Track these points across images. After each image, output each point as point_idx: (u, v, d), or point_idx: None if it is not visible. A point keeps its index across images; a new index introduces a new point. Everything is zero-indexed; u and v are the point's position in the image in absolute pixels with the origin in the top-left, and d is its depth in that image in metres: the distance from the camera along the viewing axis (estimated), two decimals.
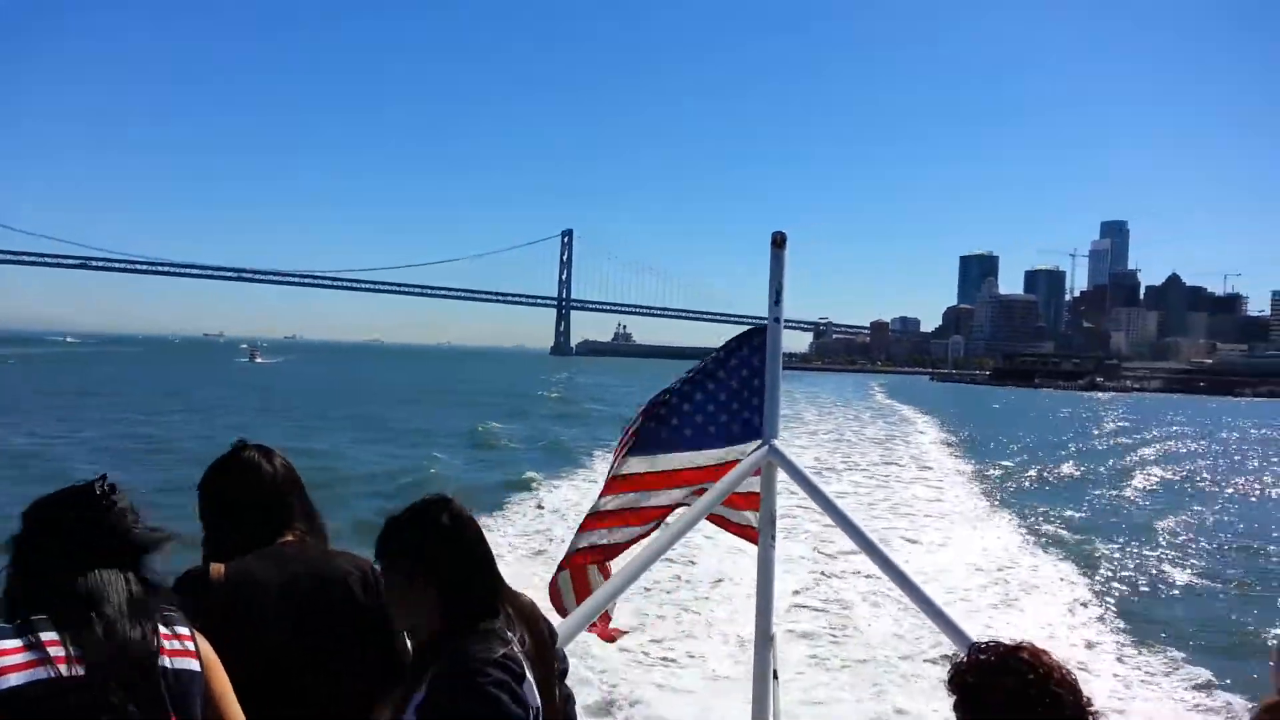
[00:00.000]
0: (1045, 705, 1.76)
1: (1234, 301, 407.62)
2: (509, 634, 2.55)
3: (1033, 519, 26.10)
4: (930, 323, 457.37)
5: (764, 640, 3.93)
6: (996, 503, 29.38)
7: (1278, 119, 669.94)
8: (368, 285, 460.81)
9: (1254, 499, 35.37)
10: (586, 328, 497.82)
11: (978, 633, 2.41)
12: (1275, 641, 3.07)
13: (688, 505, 4.39)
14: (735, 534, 4.90)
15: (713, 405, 4.45)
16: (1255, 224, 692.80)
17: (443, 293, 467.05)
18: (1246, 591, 19.31)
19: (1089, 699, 1.85)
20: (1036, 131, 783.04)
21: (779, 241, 4.17)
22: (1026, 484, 35.66)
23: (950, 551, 20.42)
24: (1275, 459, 51.23)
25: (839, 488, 29.00)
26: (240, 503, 3.09)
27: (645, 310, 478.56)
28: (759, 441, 4.13)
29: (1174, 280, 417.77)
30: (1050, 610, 16.03)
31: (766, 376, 4.23)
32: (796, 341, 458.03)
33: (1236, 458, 52.74)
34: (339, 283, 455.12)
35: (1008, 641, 1.89)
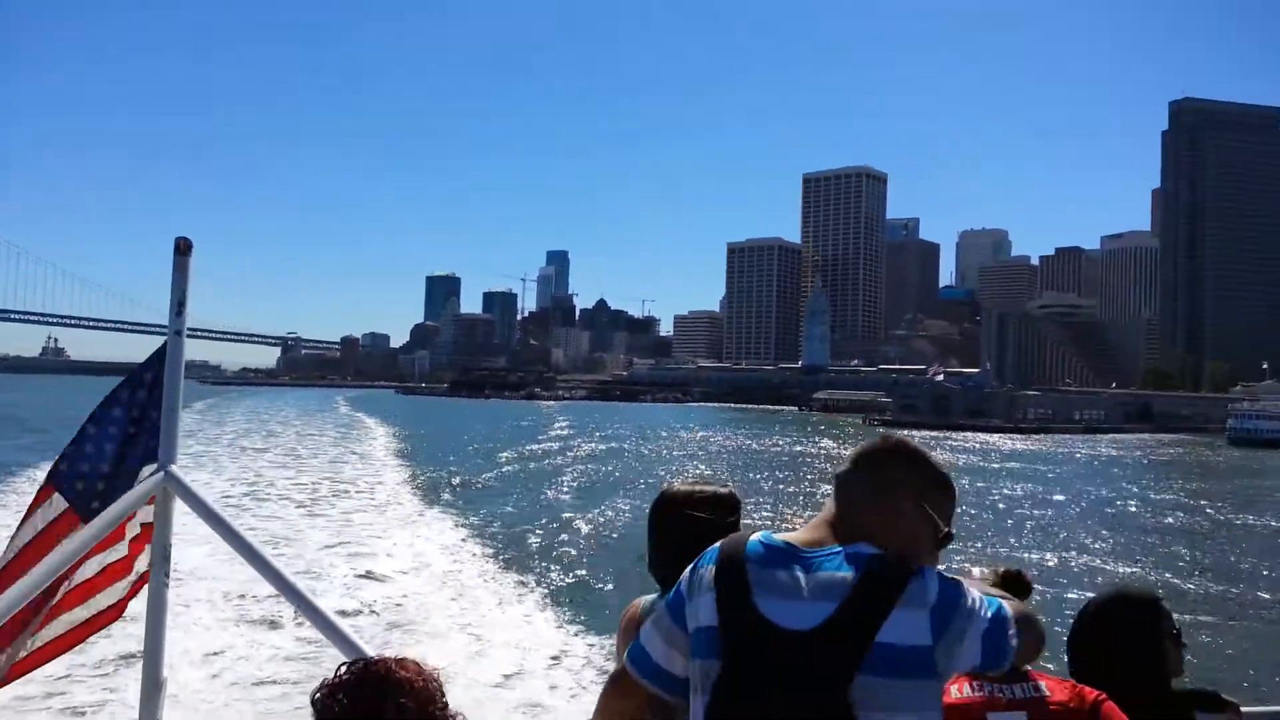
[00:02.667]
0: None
1: (649, 323, 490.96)
2: None
3: (469, 519, 28.37)
4: (400, 338, 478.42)
5: (153, 687, 3.30)
6: (437, 506, 31.51)
7: (674, 176, 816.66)
8: None
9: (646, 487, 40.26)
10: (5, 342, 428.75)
11: (380, 648, 2.29)
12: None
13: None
14: (118, 577, 3.74)
15: (115, 429, 3.71)
16: (667, 258, 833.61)
17: None
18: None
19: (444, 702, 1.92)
20: (482, 164, 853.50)
21: (183, 248, 3.46)
22: (463, 488, 37.62)
23: (395, 559, 21.28)
24: (672, 450, 73.64)
25: (274, 509, 28.52)
26: None
27: (77, 322, 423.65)
28: (154, 467, 3.44)
29: (602, 304, 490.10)
30: (486, 612, 17.16)
31: (165, 395, 3.52)
32: (264, 356, 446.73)
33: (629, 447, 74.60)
34: None
35: (376, 657, 1.91)
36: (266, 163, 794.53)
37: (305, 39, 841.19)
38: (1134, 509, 43.85)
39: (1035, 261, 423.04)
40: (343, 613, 13.15)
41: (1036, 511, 40.15)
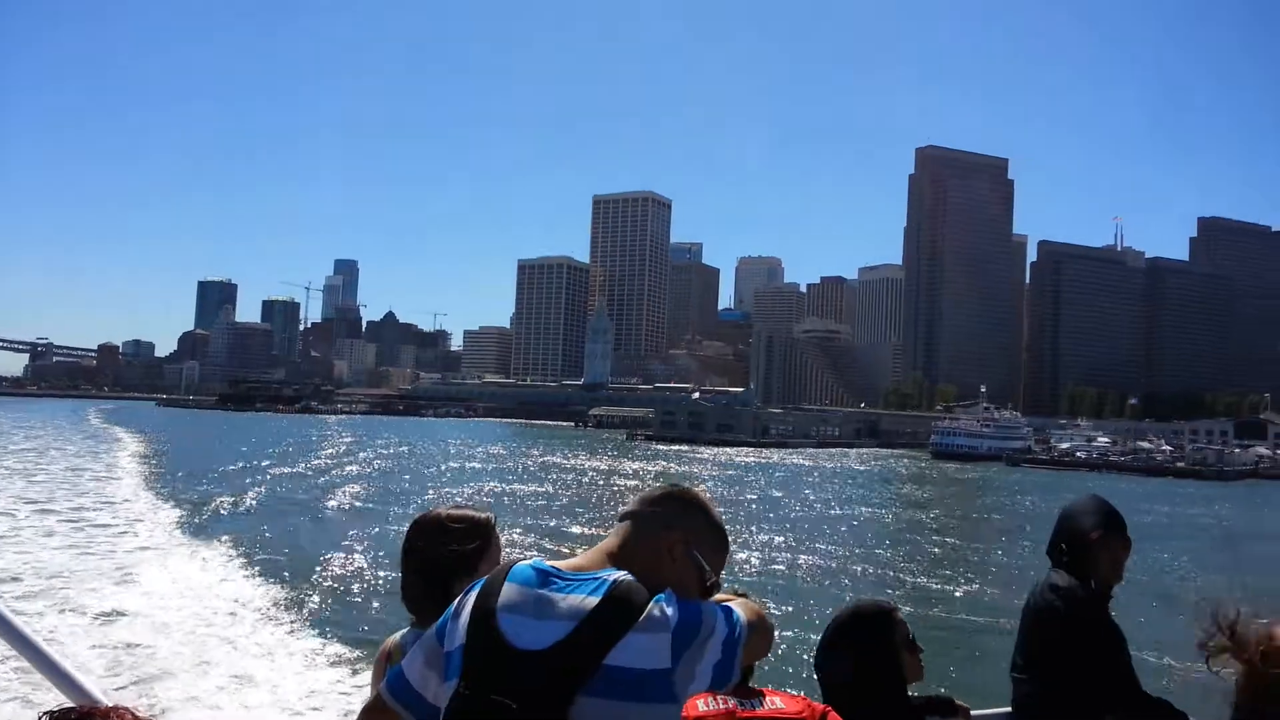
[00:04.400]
0: None
1: (439, 337, 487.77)
2: None
3: (223, 546, 27.65)
4: (167, 347, 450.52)
5: None
6: (188, 531, 30.52)
7: (472, 190, 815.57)
8: None
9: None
10: None
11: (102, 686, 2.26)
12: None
13: None
14: None
15: None
16: (462, 271, 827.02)
17: None
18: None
19: None
20: (266, 161, 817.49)
21: None
22: (216, 511, 36.26)
23: (134, 589, 20.51)
24: (440, 466, 77.61)
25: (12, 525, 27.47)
26: None
27: None
28: None
29: (391, 316, 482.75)
30: (237, 648, 16.63)
31: None
32: (9, 364, 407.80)
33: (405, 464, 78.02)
34: None
35: (88, 707, 1.58)
36: (9, 150, 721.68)
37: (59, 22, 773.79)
38: (841, 511, 52.13)
39: (804, 289, 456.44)
40: (65, 650, 12.91)
41: (769, 513, 47.26)
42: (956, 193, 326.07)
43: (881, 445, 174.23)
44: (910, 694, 3.20)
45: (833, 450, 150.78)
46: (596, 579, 1.96)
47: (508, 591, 1.97)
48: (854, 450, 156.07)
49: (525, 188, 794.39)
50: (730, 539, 2.13)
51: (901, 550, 37.47)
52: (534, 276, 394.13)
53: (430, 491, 50.39)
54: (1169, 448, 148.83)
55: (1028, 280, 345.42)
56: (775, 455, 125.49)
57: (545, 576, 1.99)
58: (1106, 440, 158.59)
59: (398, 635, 2.87)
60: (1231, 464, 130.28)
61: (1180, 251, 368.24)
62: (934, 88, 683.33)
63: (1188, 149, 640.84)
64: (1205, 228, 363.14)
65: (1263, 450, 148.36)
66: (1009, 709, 4.01)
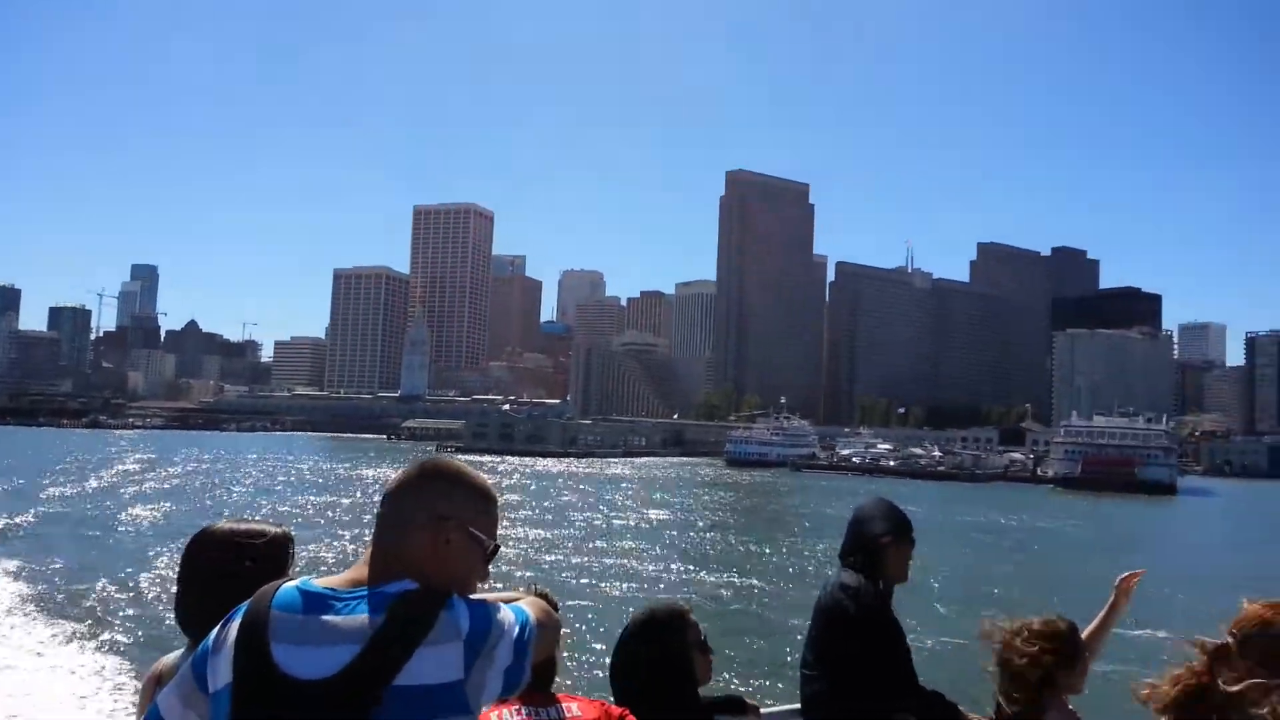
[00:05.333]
0: None
1: (247, 348, 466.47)
2: None
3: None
4: None
5: None
6: None
7: (284, 196, 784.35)
8: None
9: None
10: None
11: None
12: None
13: None
14: None
15: None
16: (275, 280, 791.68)
17: None
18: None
19: None
20: (55, 158, 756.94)
21: None
22: None
23: None
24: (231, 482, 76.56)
25: None
26: None
27: None
28: None
29: (193, 326, 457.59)
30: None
31: None
32: None
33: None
34: None
35: None
36: None
37: None
38: (632, 516, 56.59)
39: (625, 302, 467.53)
40: None
41: (567, 519, 50.68)
42: (763, 215, 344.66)
43: (686, 454, 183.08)
44: (702, 694, 3.29)
45: (639, 460, 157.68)
46: (378, 593, 1.81)
47: (277, 618, 1.78)
48: (658, 459, 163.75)
49: (344, 195, 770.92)
50: (500, 501, 1.92)
51: (691, 550, 41.35)
52: (351, 286, 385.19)
53: (221, 507, 50.08)
54: (939, 454, 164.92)
55: (827, 298, 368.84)
56: (581, 465, 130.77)
57: (319, 598, 1.82)
58: (888, 447, 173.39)
59: (170, 656, 2.65)
60: (985, 468, 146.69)
61: (963, 273, 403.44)
62: (745, 114, 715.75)
63: (967, 180, 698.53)
64: (983, 252, 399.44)
65: (1016, 455, 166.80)
66: (798, 706, 4.15)
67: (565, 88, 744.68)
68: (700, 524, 55.69)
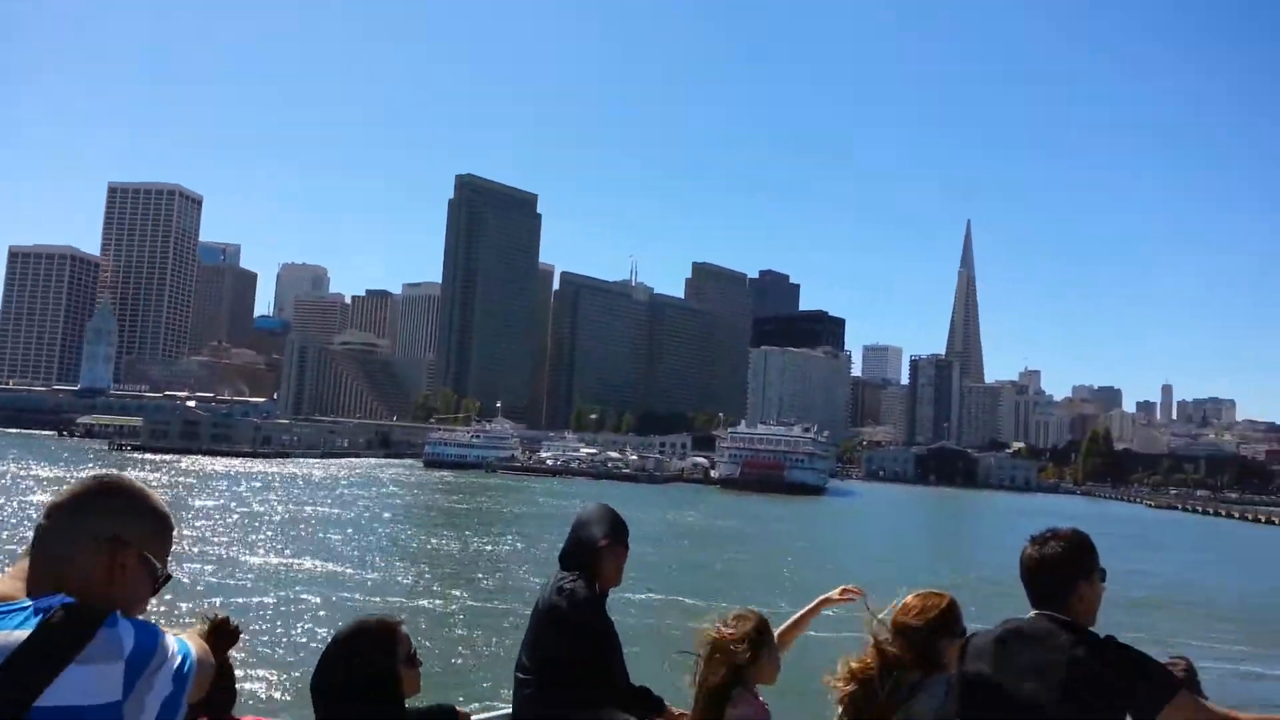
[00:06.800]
0: None
1: None
2: None
3: None
4: None
5: None
6: None
7: None
8: None
9: None
10: None
11: None
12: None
13: None
14: None
15: None
16: None
17: None
18: None
19: None
20: None
21: None
22: None
23: None
24: None
25: None
26: None
27: None
28: None
29: None
30: None
31: None
32: None
33: None
34: None
35: None
36: None
37: None
38: (312, 519, 57.25)
39: (349, 300, 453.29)
40: None
41: (246, 525, 50.35)
42: (491, 221, 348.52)
43: (391, 455, 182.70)
44: (413, 706, 3.22)
45: (337, 460, 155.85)
46: (24, 608, 1.68)
47: None
48: (359, 460, 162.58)
49: (20, 162, 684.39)
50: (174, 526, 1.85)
51: (359, 550, 42.47)
52: (29, 266, 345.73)
53: None
54: (635, 457, 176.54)
55: (552, 307, 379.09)
56: (272, 466, 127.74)
57: None
58: (591, 451, 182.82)
59: None
60: (664, 470, 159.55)
61: (680, 290, 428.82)
62: (475, 116, 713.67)
63: (686, 201, 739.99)
64: (697, 271, 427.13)
65: (699, 459, 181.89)
66: (509, 711, 4.20)
67: (284, 68, 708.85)
68: (375, 520, 57.62)
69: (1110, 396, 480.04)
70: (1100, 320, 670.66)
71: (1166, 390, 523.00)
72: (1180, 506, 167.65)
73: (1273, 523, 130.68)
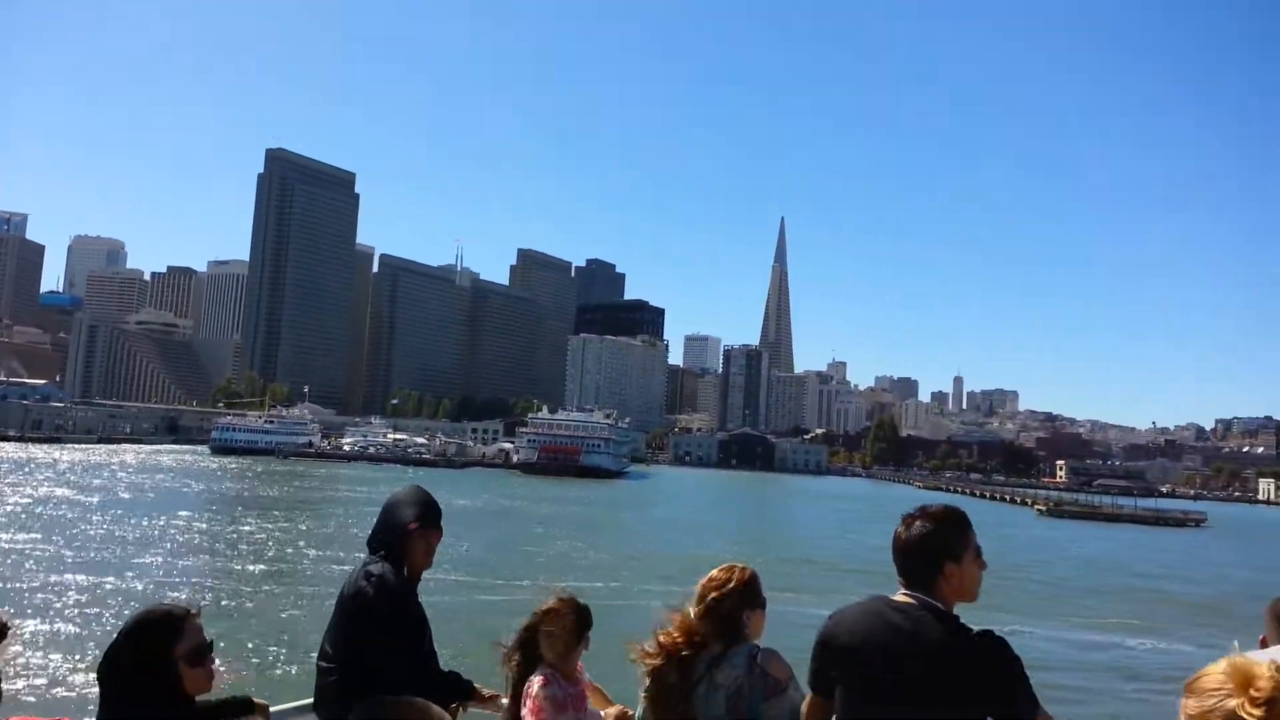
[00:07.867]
0: None
1: None
2: None
3: None
4: None
5: None
6: None
7: None
8: None
9: None
10: None
11: None
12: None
13: None
14: None
15: None
16: None
17: None
18: None
19: None
20: None
21: None
22: None
23: None
24: None
25: None
26: None
27: None
28: None
29: None
30: None
31: None
32: None
33: None
34: None
35: None
36: None
37: None
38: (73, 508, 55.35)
39: (148, 277, 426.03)
40: None
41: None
42: (303, 198, 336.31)
43: (180, 442, 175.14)
44: (207, 700, 3.08)
45: (114, 446, 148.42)
46: None
47: None
48: (141, 445, 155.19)
49: None
50: None
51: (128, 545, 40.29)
52: None
53: None
54: (438, 443, 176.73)
55: (371, 289, 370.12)
56: (39, 451, 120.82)
57: None
58: (400, 437, 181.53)
59: None
60: (465, 455, 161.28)
61: (505, 276, 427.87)
62: (289, 89, 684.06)
63: (513, 189, 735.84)
64: (522, 258, 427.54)
65: (505, 445, 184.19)
66: (310, 701, 4.06)
67: (82, 15, 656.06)
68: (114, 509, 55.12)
69: (908, 387, 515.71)
70: (901, 315, 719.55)
71: (958, 381, 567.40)
72: (945, 488, 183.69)
73: (1020, 502, 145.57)
